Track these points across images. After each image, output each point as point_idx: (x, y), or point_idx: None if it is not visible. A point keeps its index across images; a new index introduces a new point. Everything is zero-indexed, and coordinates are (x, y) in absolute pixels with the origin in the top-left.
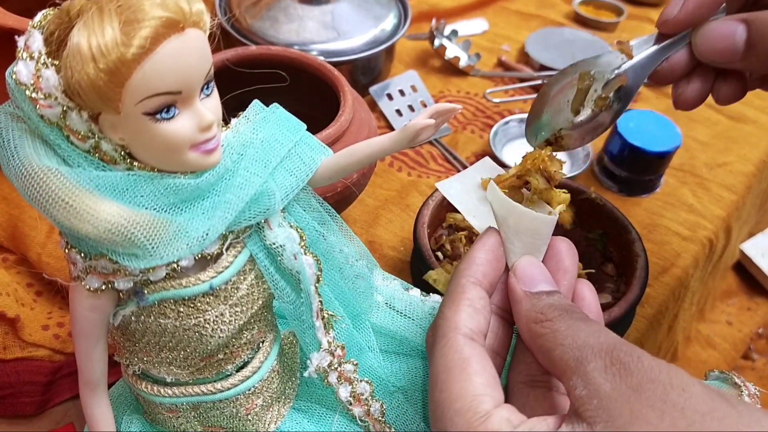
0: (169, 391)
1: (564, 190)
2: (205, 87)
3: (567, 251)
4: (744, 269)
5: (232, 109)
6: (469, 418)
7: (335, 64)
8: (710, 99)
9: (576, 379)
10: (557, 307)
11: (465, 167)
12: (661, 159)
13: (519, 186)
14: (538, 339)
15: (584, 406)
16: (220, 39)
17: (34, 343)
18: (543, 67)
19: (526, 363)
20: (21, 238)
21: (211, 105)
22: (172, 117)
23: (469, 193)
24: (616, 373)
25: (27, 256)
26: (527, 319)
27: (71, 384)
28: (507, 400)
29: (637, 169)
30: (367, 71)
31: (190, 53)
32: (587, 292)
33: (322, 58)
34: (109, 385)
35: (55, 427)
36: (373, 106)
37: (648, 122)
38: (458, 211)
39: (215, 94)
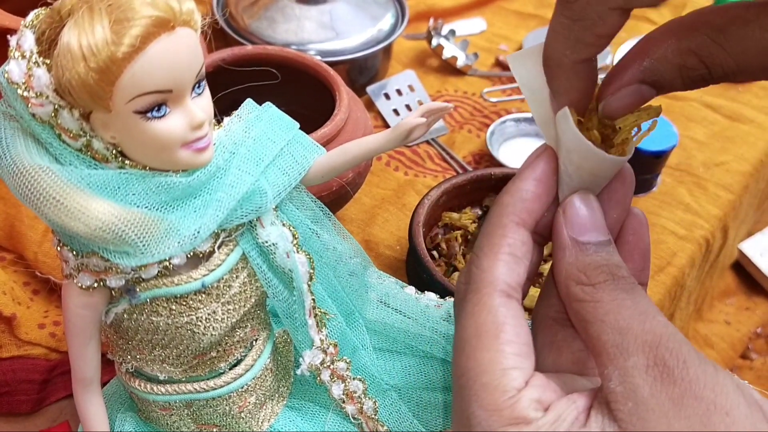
0: (162, 389)
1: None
2: (197, 86)
3: (622, 180)
4: (742, 269)
5: (226, 108)
6: (497, 398)
7: (332, 64)
8: (708, 98)
9: (612, 370)
10: (604, 269)
11: (462, 167)
12: (658, 158)
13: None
14: (575, 303)
15: (617, 404)
16: (219, 39)
17: (30, 342)
18: None
19: (558, 297)
20: (18, 237)
21: (202, 104)
22: (163, 115)
23: (542, 75)
24: (657, 377)
25: (24, 255)
26: (567, 275)
27: (67, 382)
28: (534, 334)
29: (633, 168)
30: (364, 71)
31: (181, 52)
32: (638, 223)
33: (319, 57)
34: (104, 384)
35: (50, 425)
36: (371, 105)
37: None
38: (455, 210)
39: (207, 92)
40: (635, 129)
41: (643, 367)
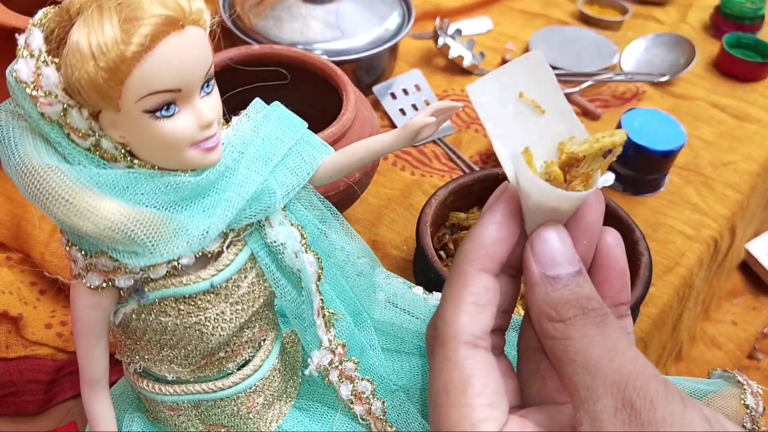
0: (170, 390)
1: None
2: (206, 85)
3: (592, 202)
4: (749, 269)
5: (234, 107)
6: None
7: (339, 63)
8: (715, 97)
9: (583, 413)
10: (573, 303)
11: (469, 166)
12: (666, 158)
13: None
14: (548, 340)
15: None
16: (225, 38)
17: (36, 342)
18: None
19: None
20: (24, 237)
21: (211, 103)
22: (172, 115)
23: (506, 103)
24: (625, 421)
25: (30, 255)
26: (539, 312)
27: (74, 383)
28: (518, 364)
29: (641, 168)
30: (370, 70)
31: (190, 51)
32: (611, 242)
33: (325, 57)
34: (111, 384)
35: (57, 425)
36: (377, 105)
37: (652, 121)
38: (462, 210)
39: (216, 92)
40: (600, 158)
41: (611, 411)
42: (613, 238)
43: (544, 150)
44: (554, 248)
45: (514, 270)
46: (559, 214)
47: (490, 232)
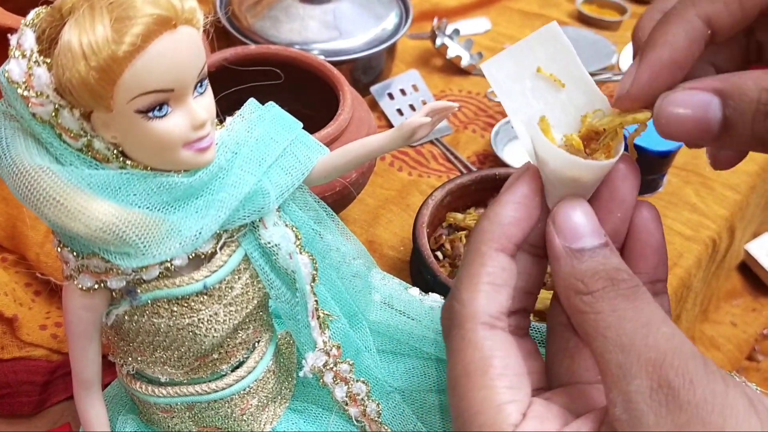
0: (164, 391)
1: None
2: (199, 85)
3: (626, 174)
4: (749, 270)
5: (229, 108)
6: None
7: (336, 64)
8: None
9: (617, 394)
10: (602, 274)
11: (466, 167)
12: (664, 158)
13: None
14: (577, 315)
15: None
16: (222, 38)
17: (31, 343)
18: None
19: None
20: (20, 238)
21: (204, 103)
22: (165, 115)
23: (522, 80)
24: (662, 402)
25: (26, 256)
26: (566, 286)
27: (68, 384)
28: (547, 341)
29: (639, 168)
30: (368, 70)
31: (183, 51)
32: (647, 218)
33: (322, 57)
34: (105, 386)
35: (52, 426)
36: (375, 105)
37: (650, 121)
38: (459, 210)
39: (209, 92)
40: (621, 132)
41: (647, 391)
42: (649, 212)
43: (566, 123)
44: (577, 221)
45: (539, 250)
46: (581, 186)
47: (507, 212)
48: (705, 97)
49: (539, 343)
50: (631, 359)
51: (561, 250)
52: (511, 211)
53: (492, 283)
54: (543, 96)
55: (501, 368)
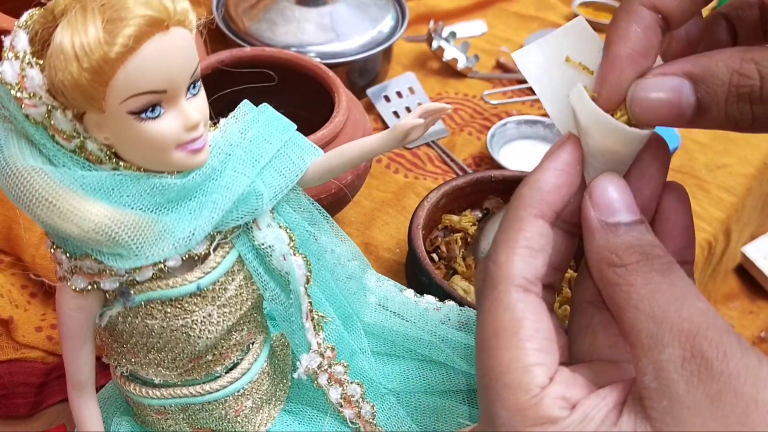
0: (158, 393)
1: None
2: (192, 86)
3: (655, 152)
4: (746, 272)
5: (224, 109)
6: (520, 397)
7: (332, 66)
8: None
9: (647, 363)
10: (636, 249)
11: (462, 169)
12: None
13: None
14: (609, 287)
15: (651, 401)
16: (219, 41)
17: (27, 345)
18: None
19: (593, 279)
20: (15, 240)
21: (197, 104)
22: (158, 116)
23: (551, 68)
24: (694, 371)
25: (21, 257)
26: (599, 259)
27: (64, 386)
28: (570, 318)
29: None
30: (364, 73)
31: (175, 52)
32: (676, 198)
33: (318, 59)
34: (100, 388)
35: (47, 428)
36: (371, 108)
37: None
38: (455, 213)
39: (202, 93)
40: None
41: (679, 360)
42: (678, 192)
43: None
44: (613, 196)
45: (572, 226)
46: (620, 159)
47: (548, 178)
48: (676, 82)
49: None
50: (664, 329)
51: (596, 224)
52: (552, 178)
53: (529, 248)
54: (571, 83)
55: (532, 330)
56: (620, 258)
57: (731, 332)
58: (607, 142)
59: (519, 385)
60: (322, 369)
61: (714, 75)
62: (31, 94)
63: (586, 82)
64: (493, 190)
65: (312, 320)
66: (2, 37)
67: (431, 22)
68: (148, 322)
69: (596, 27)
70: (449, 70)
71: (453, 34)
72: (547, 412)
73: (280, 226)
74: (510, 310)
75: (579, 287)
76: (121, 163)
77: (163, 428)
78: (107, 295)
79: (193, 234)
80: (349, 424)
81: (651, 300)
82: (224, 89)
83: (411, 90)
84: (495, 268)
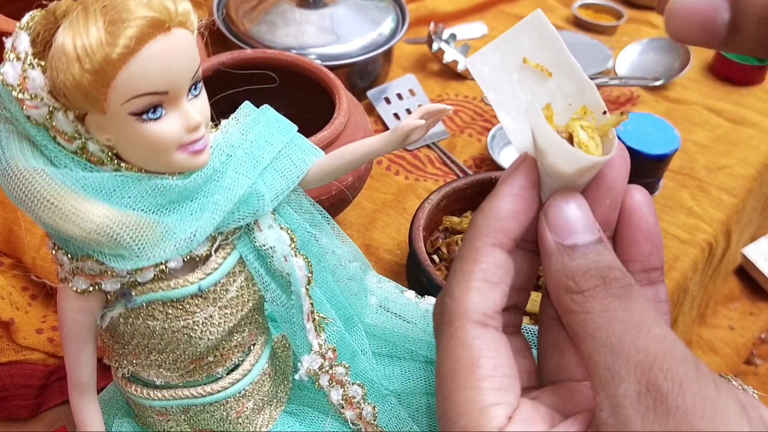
0: (159, 394)
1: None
2: (193, 87)
3: (611, 163)
4: (746, 273)
5: (225, 111)
6: None
7: (333, 68)
8: (710, 101)
9: (604, 398)
10: (593, 272)
11: (463, 171)
12: (660, 162)
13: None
14: (567, 314)
15: None
16: (219, 43)
17: (28, 347)
18: None
19: None
20: (16, 242)
21: (199, 106)
22: (159, 117)
23: (508, 71)
24: (650, 406)
25: (22, 259)
26: (557, 285)
27: (64, 388)
28: (538, 336)
29: (635, 172)
30: (365, 75)
31: (177, 53)
32: (638, 200)
33: (319, 61)
34: (101, 389)
35: (48, 430)
36: (371, 109)
37: (646, 125)
38: (455, 214)
39: (203, 94)
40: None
41: (634, 396)
42: (640, 196)
43: (555, 113)
44: (570, 216)
45: (532, 245)
46: (578, 178)
47: (504, 205)
48: (714, 1)
49: (531, 344)
50: (620, 361)
51: (552, 247)
52: (507, 204)
53: (486, 280)
54: (530, 87)
55: (489, 369)
56: (577, 284)
57: (689, 360)
58: (565, 167)
59: (476, 427)
60: (324, 370)
61: None
62: (33, 96)
63: (546, 85)
64: None
65: (313, 321)
66: (4, 38)
67: (431, 24)
68: (150, 323)
69: (597, 29)
70: (449, 72)
71: (453, 36)
72: None
73: (281, 228)
74: (467, 348)
75: (544, 305)
76: (123, 165)
77: (164, 429)
78: (108, 296)
79: (195, 235)
80: (351, 425)
81: (607, 328)
82: (225, 91)
83: (411, 92)
84: (451, 303)
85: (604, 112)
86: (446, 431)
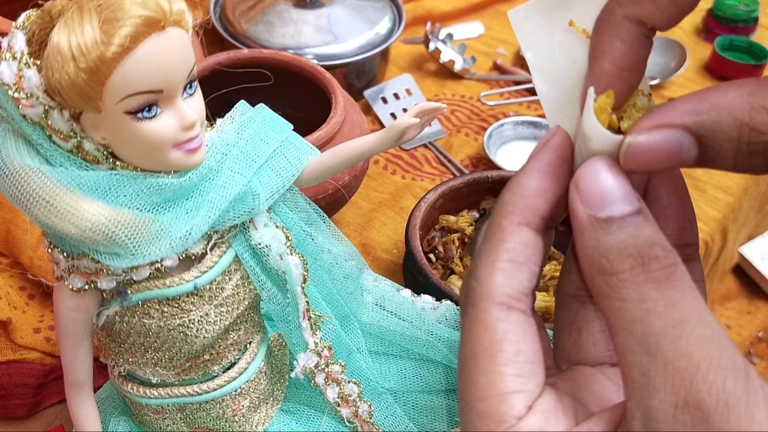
0: (155, 393)
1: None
2: (188, 86)
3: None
4: (743, 272)
5: (220, 110)
6: (493, 429)
7: (330, 68)
8: None
9: (636, 406)
10: (630, 251)
11: (459, 170)
12: None
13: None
14: (600, 299)
15: None
16: (216, 44)
17: (25, 346)
18: None
19: (577, 274)
20: (14, 242)
21: (194, 104)
22: (154, 116)
23: (551, 31)
24: (687, 424)
25: (19, 259)
26: (589, 263)
27: (62, 387)
28: (555, 313)
29: None
30: (361, 75)
31: (172, 52)
32: (664, 176)
33: (316, 61)
34: (98, 388)
35: (46, 428)
36: (368, 109)
37: None
38: (452, 213)
39: (198, 93)
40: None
41: (671, 410)
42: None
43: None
44: (605, 185)
45: (563, 225)
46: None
47: (530, 182)
48: (676, 136)
49: None
50: (657, 367)
51: (585, 220)
52: (534, 181)
53: (512, 260)
54: (571, 53)
55: (512, 354)
56: (611, 264)
57: (738, 370)
58: (604, 149)
59: (493, 415)
60: (320, 368)
61: (719, 130)
62: (29, 95)
63: (587, 55)
64: (489, 191)
65: (309, 320)
66: (0, 38)
67: (428, 24)
68: (146, 321)
69: None
70: (446, 72)
71: (450, 36)
72: None
73: (276, 226)
74: (490, 331)
75: (562, 281)
76: (118, 163)
77: (160, 428)
78: (104, 294)
79: (190, 233)
80: (347, 423)
81: (645, 324)
82: (220, 90)
83: (408, 92)
84: (475, 284)
85: (649, 95)
86: (465, 415)
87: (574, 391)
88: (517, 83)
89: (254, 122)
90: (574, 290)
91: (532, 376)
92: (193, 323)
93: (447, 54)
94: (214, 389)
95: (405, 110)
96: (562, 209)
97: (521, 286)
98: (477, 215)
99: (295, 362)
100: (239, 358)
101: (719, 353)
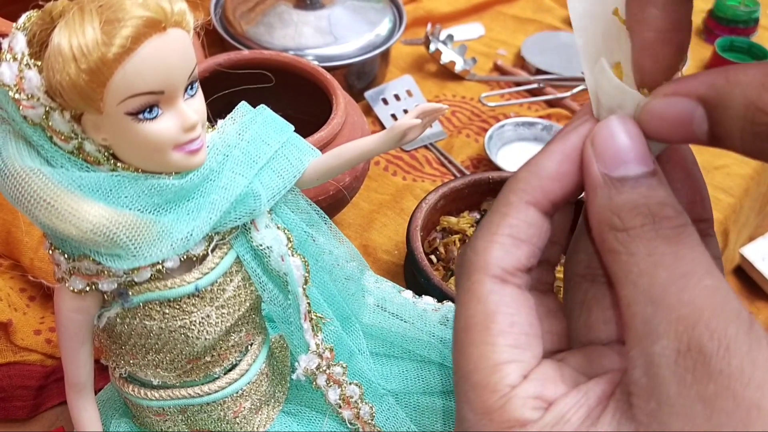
0: (156, 394)
1: None
2: (189, 87)
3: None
4: (744, 273)
5: (221, 111)
6: (487, 398)
7: (330, 69)
8: None
9: (638, 354)
10: (642, 209)
11: (460, 171)
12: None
13: None
14: (608, 254)
15: (639, 399)
16: (217, 45)
17: (26, 348)
18: (539, 71)
19: (586, 252)
20: (14, 244)
21: (195, 105)
22: (155, 117)
23: (597, 18)
24: (689, 369)
25: (20, 261)
26: (600, 219)
27: (62, 388)
28: (564, 296)
29: None
30: (362, 76)
31: (173, 53)
32: (672, 149)
33: (316, 62)
34: (99, 390)
35: (47, 430)
36: (369, 110)
37: None
38: (453, 214)
39: (200, 94)
40: None
41: (672, 355)
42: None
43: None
44: (621, 144)
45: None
46: None
47: (549, 163)
48: (688, 106)
49: None
50: (660, 314)
51: (598, 178)
52: (554, 163)
53: (513, 236)
54: (609, 44)
55: (505, 325)
56: (622, 220)
57: (741, 317)
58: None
59: (487, 385)
60: (321, 370)
61: (727, 105)
62: (29, 96)
63: (623, 46)
64: (490, 192)
65: (310, 321)
66: (1, 39)
67: (429, 25)
68: (147, 323)
69: None
70: (447, 73)
71: (450, 37)
72: (515, 414)
73: (278, 227)
74: (482, 302)
75: (571, 260)
76: (119, 164)
77: (161, 429)
78: (105, 296)
79: (191, 235)
80: (348, 425)
81: (651, 275)
82: (221, 91)
83: (409, 93)
84: (472, 256)
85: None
86: (459, 387)
87: (582, 365)
88: (518, 84)
89: (255, 123)
90: (583, 269)
91: (527, 347)
92: (194, 325)
93: (447, 55)
94: (216, 391)
95: (405, 111)
96: (574, 195)
97: (518, 262)
98: (478, 216)
99: (296, 364)
100: (240, 360)
101: (723, 302)
